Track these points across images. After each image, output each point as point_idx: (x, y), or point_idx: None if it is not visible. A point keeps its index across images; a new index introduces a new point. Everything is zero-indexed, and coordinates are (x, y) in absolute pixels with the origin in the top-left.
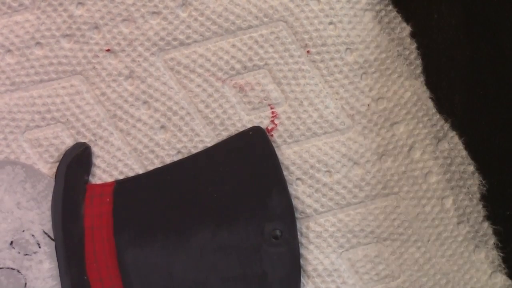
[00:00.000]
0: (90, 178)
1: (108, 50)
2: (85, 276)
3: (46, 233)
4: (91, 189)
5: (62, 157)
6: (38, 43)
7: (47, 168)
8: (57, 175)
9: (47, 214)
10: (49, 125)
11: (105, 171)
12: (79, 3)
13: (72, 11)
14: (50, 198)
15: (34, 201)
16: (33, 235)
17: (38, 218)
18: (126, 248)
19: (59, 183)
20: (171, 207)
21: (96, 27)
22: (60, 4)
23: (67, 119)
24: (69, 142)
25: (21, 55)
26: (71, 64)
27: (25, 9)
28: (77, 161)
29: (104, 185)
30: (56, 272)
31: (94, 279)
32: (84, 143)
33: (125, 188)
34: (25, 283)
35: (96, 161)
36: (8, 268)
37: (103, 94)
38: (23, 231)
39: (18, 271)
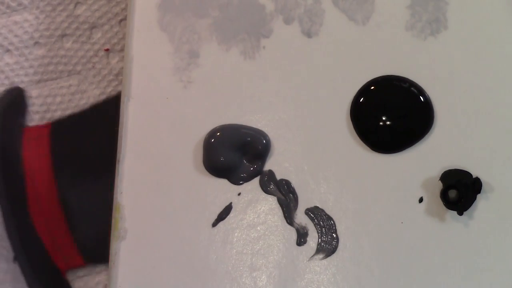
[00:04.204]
0: (27, 121)
1: (107, 50)
2: (28, 218)
3: None
4: (28, 132)
5: None
6: (37, 43)
7: None
8: None
9: None
10: None
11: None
12: (78, 3)
13: (71, 10)
14: None
15: None
16: None
17: None
18: (68, 188)
19: None
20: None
21: (95, 26)
22: (59, 4)
23: None
24: None
25: (20, 55)
26: (70, 64)
27: (24, 8)
28: (11, 105)
29: (40, 126)
30: None
31: (38, 220)
32: (18, 87)
33: (62, 128)
34: None
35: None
36: None
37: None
38: None
39: None
